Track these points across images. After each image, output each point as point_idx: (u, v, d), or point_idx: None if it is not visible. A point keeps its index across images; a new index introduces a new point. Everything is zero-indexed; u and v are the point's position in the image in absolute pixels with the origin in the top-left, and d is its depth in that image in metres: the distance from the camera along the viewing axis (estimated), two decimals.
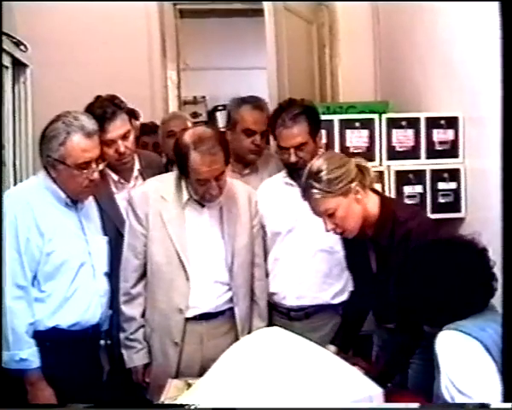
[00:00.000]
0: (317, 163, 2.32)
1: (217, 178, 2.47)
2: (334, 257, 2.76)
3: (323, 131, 3.01)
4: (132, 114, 3.76)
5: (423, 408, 2.00)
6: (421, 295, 1.95)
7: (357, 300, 2.61)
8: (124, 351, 2.63)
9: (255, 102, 3.05)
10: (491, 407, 1.71)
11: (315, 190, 2.28)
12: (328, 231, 2.36)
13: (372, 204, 2.37)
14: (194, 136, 2.47)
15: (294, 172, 2.75)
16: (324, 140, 3.01)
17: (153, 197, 2.58)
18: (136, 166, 2.93)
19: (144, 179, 2.85)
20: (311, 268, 2.78)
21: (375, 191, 2.44)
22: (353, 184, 2.31)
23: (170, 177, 2.65)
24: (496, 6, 1.84)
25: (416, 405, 1.98)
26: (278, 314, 2.83)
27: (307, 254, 2.78)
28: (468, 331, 1.84)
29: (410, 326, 2.24)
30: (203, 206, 2.60)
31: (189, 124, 3.77)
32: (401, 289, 2.00)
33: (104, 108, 2.70)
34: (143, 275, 2.62)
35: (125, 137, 2.76)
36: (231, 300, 2.63)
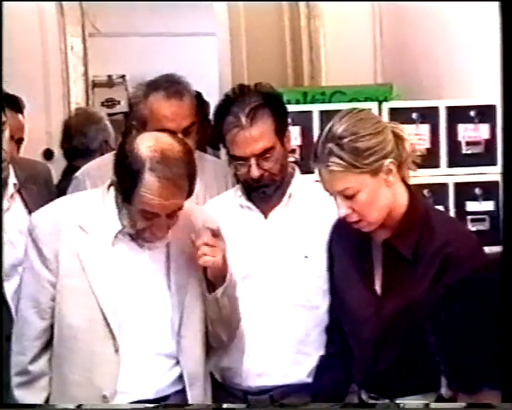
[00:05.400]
0: (344, 123, 2.37)
1: (169, 215, 2.46)
2: (312, 315, 2.76)
3: (297, 128, 3.00)
4: (13, 104, 3.73)
5: None
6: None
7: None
8: None
9: (170, 87, 3.01)
10: None
11: (335, 159, 2.32)
12: (340, 216, 2.42)
13: (399, 194, 2.43)
14: (155, 149, 2.41)
15: (255, 190, 2.77)
16: (298, 140, 3.00)
17: (66, 228, 2.55)
18: (12, 179, 2.89)
19: (24, 199, 2.84)
20: (280, 332, 2.79)
21: (404, 181, 2.49)
22: (387, 161, 2.36)
23: (91, 196, 2.64)
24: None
25: None
26: (231, 398, 2.83)
27: (274, 311, 2.79)
28: None
29: None
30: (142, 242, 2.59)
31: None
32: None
33: None
34: (48, 344, 2.59)
35: None
36: (181, 379, 2.61)
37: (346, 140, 2.32)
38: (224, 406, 2.62)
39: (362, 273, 2.49)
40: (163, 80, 3.03)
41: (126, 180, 2.43)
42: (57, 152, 4.18)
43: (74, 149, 4.29)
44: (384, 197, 2.38)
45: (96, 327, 2.52)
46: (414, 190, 2.50)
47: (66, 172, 4.01)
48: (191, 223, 2.64)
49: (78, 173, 3.13)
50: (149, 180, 2.38)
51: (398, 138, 2.42)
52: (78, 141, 4.29)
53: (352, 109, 2.49)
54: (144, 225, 2.47)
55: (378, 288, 2.46)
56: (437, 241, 2.36)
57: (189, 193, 2.47)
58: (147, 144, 2.41)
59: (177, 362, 2.61)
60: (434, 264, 2.34)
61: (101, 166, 2.79)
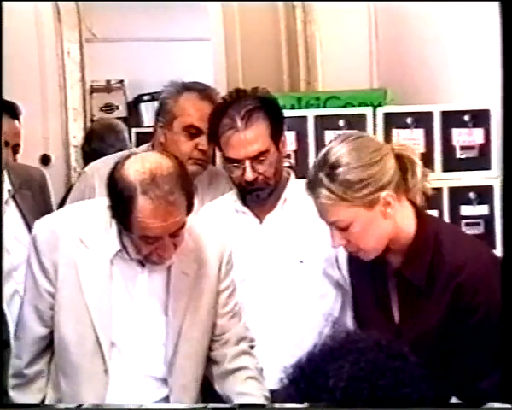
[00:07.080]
0: (338, 151, 2.26)
1: (172, 234, 2.38)
2: (307, 319, 2.74)
3: (292, 134, 2.99)
4: (9, 110, 3.73)
5: None
6: None
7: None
8: None
9: (203, 90, 3.07)
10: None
11: (324, 191, 2.24)
12: (334, 246, 2.36)
13: (406, 219, 2.32)
14: (144, 171, 2.34)
15: (249, 194, 2.77)
16: (293, 145, 3.00)
17: (66, 239, 2.50)
18: (6, 184, 2.90)
19: (18, 205, 2.83)
20: (275, 336, 2.78)
21: (411, 201, 2.38)
22: (384, 194, 2.24)
23: (95, 209, 2.56)
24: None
25: None
26: (226, 403, 2.78)
27: (269, 316, 2.79)
28: None
29: None
30: (143, 264, 2.52)
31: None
32: None
33: None
34: (47, 349, 2.58)
35: None
36: (168, 399, 2.57)
37: (337, 171, 2.22)
38: None
39: (378, 301, 2.43)
40: (196, 83, 3.11)
41: (120, 208, 2.37)
42: (54, 157, 4.14)
43: (92, 151, 4.53)
44: (381, 228, 2.28)
45: (87, 343, 2.50)
46: (423, 213, 2.39)
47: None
48: (197, 246, 2.58)
49: (86, 168, 3.20)
50: (143, 204, 2.30)
51: (409, 162, 2.30)
52: (96, 144, 4.59)
53: (351, 134, 2.39)
54: (149, 249, 2.40)
55: (396, 315, 2.39)
56: (448, 267, 2.27)
57: (189, 208, 2.39)
58: (134, 168, 2.33)
59: (165, 381, 2.57)
60: (447, 291, 2.26)
61: (110, 163, 2.77)
